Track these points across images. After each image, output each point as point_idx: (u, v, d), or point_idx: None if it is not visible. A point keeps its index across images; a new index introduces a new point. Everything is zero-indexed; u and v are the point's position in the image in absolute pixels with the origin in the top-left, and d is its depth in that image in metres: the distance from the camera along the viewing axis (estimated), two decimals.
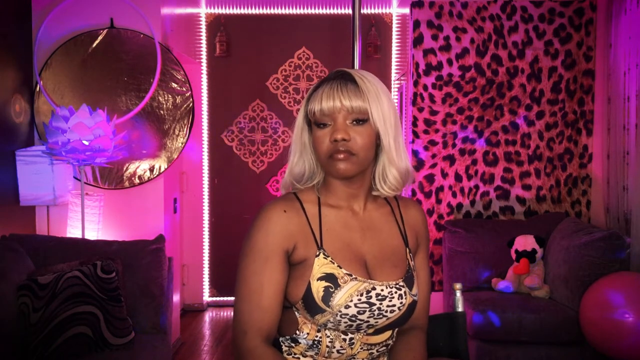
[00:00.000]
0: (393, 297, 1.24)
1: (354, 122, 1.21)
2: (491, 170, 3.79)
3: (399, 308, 1.25)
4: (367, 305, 1.22)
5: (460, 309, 1.61)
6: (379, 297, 1.23)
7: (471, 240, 3.48)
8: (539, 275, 3.23)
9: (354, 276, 1.23)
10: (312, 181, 1.31)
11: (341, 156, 1.20)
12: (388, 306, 1.24)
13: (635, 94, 3.09)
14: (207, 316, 4.47)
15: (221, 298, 4.68)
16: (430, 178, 3.79)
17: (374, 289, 1.23)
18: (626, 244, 2.96)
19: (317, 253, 1.23)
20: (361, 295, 1.21)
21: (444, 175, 3.79)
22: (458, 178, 3.79)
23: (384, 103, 1.23)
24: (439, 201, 3.81)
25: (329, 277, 1.21)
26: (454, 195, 3.80)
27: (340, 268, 1.23)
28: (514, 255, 3.33)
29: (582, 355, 2.91)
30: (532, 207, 3.79)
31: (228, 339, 3.89)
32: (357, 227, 1.29)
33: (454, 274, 3.47)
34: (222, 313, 4.54)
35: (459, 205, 3.81)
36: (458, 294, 1.62)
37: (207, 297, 4.65)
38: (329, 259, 1.23)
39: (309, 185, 1.31)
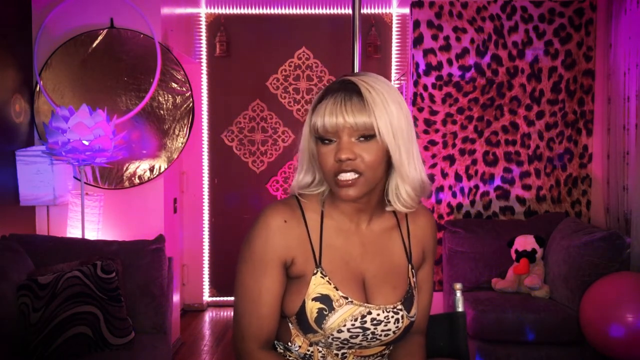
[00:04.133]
0: (389, 322, 1.20)
1: (360, 139, 1.12)
2: (491, 170, 3.79)
3: (394, 332, 1.22)
4: (361, 330, 1.18)
5: (460, 309, 1.61)
6: (374, 322, 1.19)
7: (471, 240, 3.48)
8: (539, 275, 3.23)
9: (349, 299, 1.18)
10: (321, 187, 1.24)
11: (348, 181, 1.12)
12: (383, 330, 1.20)
13: (635, 94, 3.09)
14: (207, 316, 4.47)
15: (221, 298, 4.68)
16: (430, 178, 3.78)
17: (369, 313, 1.19)
18: (626, 244, 2.96)
19: (315, 271, 1.19)
20: (355, 320, 1.17)
21: (444, 175, 3.79)
22: (458, 178, 3.79)
23: (393, 114, 1.12)
24: (439, 201, 3.81)
25: (324, 299, 1.17)
26: (454, 195, 3.80)
27: (337, 290, 1.18)
28: (514, 255, 3.32)
29: (582, 355, 2.91)
30: (532, 207, 3.79)
31: (228, 339, 3.89)
32: (358, 243, 1.24)
33: (454, 274, 3.47)
34: (222, 313, 4.54)
35: (459, 205, 3.81)
36: (458, 294, 1.62)
37: (207, 297, 4.65)
38: (326, 279, 1.19)
39: (316, 192, 1.24)
